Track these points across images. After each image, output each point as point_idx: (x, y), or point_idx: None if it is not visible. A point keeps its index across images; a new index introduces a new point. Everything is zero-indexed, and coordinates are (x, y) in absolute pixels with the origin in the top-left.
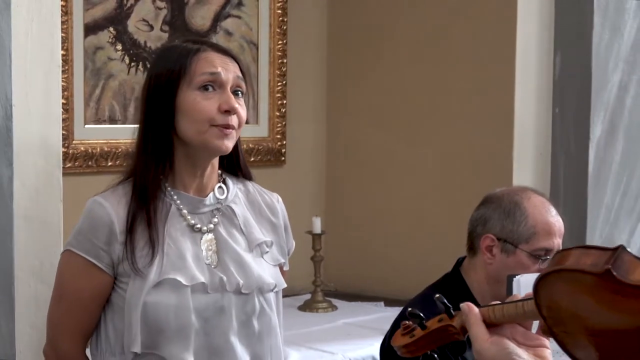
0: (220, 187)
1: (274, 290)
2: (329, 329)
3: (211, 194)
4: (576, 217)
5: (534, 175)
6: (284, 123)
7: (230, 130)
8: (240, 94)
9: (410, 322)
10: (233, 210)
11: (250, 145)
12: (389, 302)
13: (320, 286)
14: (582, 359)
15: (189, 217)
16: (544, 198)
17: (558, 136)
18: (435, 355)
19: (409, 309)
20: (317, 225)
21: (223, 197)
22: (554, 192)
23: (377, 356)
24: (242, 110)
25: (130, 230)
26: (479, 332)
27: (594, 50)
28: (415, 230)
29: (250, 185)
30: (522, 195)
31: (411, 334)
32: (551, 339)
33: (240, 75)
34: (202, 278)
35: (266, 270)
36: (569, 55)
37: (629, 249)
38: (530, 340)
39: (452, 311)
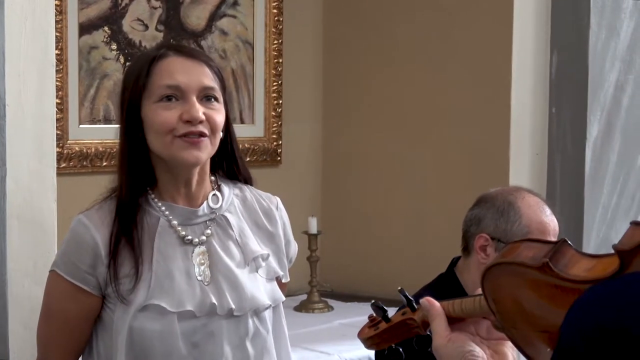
0: (214, 194)
1: (270, 308)
2: (325, 330)
3: (204, 204)
4: (573, 217)
5: (531, 175)
6: (279, 123)
7: (199, 139)
8: (212, 99)
9: (375, 314)
10: (228, 221)
11: (246, 145)
12: (385, 303)
13: (316, 286)
14: (533, 356)
15: (179, 229)
16: (539, 198)
17: (555, 136)
18: (400, 350)
19: (372, 300)
20: (313, 226)
21: (217, 206)
22: (550, 192)
23: (373, 357)
24: (216, 115)
25: (113, 255)
26: (438, 328)
27: (590, 50)
28: (411, 231)
29: (247, 191)
30: (517, 195)
31: (376, 326)
32: None
33: (208, 81)
34: (188, 305)
35: (261, 287)
36: (566, 55)
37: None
38: (493, 334)
39: (414, 304)
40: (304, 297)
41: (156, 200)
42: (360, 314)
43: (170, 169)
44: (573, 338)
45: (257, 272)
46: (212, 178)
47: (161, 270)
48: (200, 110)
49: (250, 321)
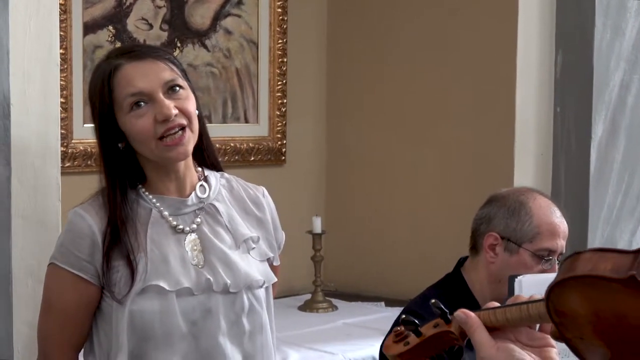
0: (201, 185)
1: (263, 287)
2: (329, 329)
3: (193, 194)
4: (577, 217)
5: (535, 175)
6: (284, 122)
7: (180, 137)
8: (177, 88)
9: (403, 329)
10: (217, 208)
11: (251, 145)
12: (390, 302)
13: (321, 286)
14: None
15: (170, 219)
16: (550, 200)
17: (559, 135)
18: None
19: (403, 316)
20: (318, 225)
21: (205, 195)
22: (555, 192)
23: (377, 356)
24: (186, 103)
25: (107, 249)
26: (483, 339)
27: (595, 50)
28: (416, 230)
29: (233, 180)
30: (528, 196)
31: (405, 341)
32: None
33: (167, 75)
34: (186, 282)
35: (253, 266)
36: (571, 55)
37: None
38: (535, 341)
39: (448, 316)
40: (308, 296)
41: (147, 193)
42: (364, 314)
43: (159, 166)
44: None
45: (249, 253)
46: (199, 169)
47: (156, 257)
48: (170, 106)
49: (245, 297)
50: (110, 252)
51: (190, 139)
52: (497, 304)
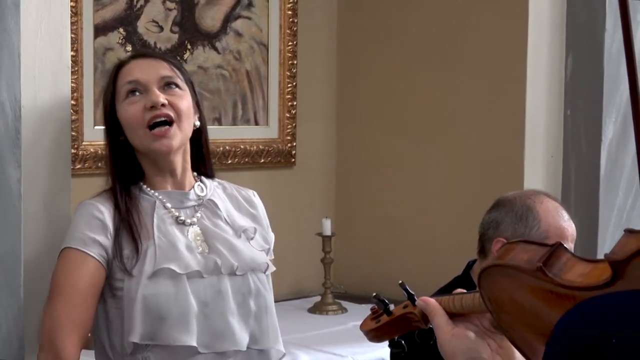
0: (199, 185)
1: (266, 273)
2: (338, 332)
3: (192, 190)
4: (588, 219)
5: (545, 177)
6: (294, 124)
7: (166, 130)
8: (174, 86)
9: (377, 308)
10: (215, 203)
11: (260, 147)
12: (399, 304)
13: (330, 288)
14: (531, 357)
15: (173, 210)
16: (557, 202)
17: (569, 138)
18: (403, 342)
19: (374, 293)
20: (327, 227)
21: (203, 194)
22: (565, 194)
23: (387, 359)
24: (179, 100)
25: (117, 232)
26: (440, 323)
27: (605, 52)
28: (425, 233)
29: (225, 183)
30: (535, 200)
31: (377, 319)
32: None
33: (166, 70)
34: (195, 266)
35: (256, 252)
36: (581, 57)
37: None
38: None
39: (415, 298)
40: (317, 298)
41: (149, 189)
42: None
43: (154, 162)
44: (556, 356)
45: (249, 242)
46: (194, 174)
47: (163, 243)
48: (160, 96)
49: (251, 280)
50: (119, 234)
51: (177, 135)
52: (463, 291)
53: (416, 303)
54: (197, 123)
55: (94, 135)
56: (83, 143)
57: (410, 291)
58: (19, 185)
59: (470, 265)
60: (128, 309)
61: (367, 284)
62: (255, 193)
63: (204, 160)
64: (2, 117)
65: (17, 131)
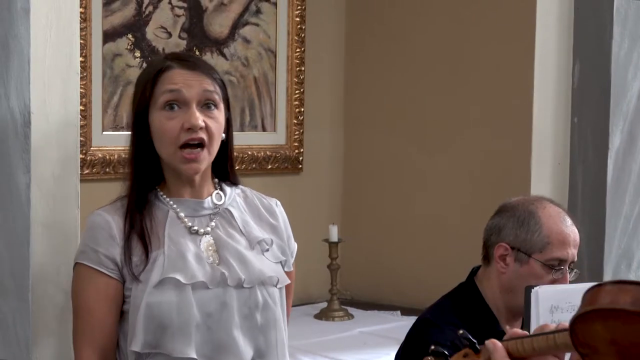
0: (217, 193)
1: (277, 286)
2: (345, 338)
3: (209, 199)
4: (594, 227)
5: (552, 185)
6: (301, 130)
7: (197, 154)
8: (212, 107)
9: (433, 359)
10: (231, 213)
11: (268, 153)
12: (406, 311)
13: (337, 294)
14: None
15: (186, 220)
16: (560, 208)
17: (576, 145)
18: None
19: (432, 346)
20: (334, 233)
21: (220, 202)
22: (572, 202)
23: None
24: (214, 124)
25: (127, 239)
26: None
27: (613, 60)
28: (432, 240)
29: (248, 190)
30: (537, 205)
31: None
32: None
33: (208, 88)
34: (201, 277)
35: (267, 265)
36: (588, 65)
37: None
38: None
39: (477, 346)
40: (324, 304)
41: (164, 196)
42: (380, 323)
43: (174, 171)
44: None
45: (263, 254)
46: (215, 180)
47: (173, 253)
48: (200, 119)
49: (259, 293)
50: (129, 242)
51: (205, 159)
52: (520, 332)
53: (485, 344)
54: (223, 135)
55: (102, 141)
56: (91, 148)
57: (473, 339)
58: (27, 190)
59: (474, 272)
60: (132, 317)
61: (374, 291)
62: (278, 202)
63: (228, 168)
64: (11, 123)
65: (26, 137)
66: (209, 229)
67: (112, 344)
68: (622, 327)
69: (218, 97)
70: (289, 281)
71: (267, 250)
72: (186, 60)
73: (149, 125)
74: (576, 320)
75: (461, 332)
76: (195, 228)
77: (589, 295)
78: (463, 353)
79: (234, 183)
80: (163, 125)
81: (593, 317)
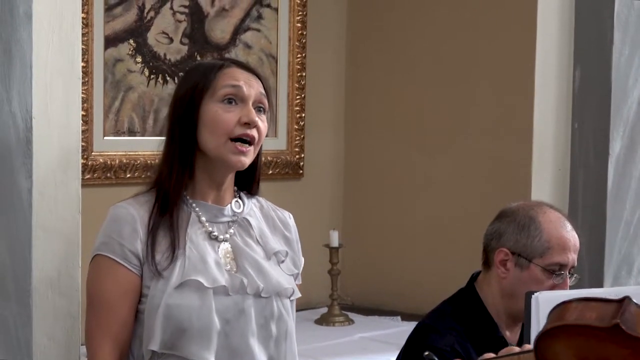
0: (237, 201)
1: (291, 298)
2: (345, 343)
3: (229, 206)
4: (595, 232)
5: (553, 190)
6: (302, 136)
7: (248, 147)
8: (262, 111)
9: None
10: (249, 222)
11: (269, 158)
12: (406, 317)
13: (337, 300)
14: None
15: (207, 224)
16: (560, 213)
17: (577, 151)
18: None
19: (426, 352)
20: (335, 239)
21: (239, 210)
22: (572, 207)
23: None
24: (263, 126)
25: (152, 232)
26: None
27: (613, 65)
28: (433, 245)
29: (263, 201)
30: (538, 210)
31: None
32: None
33: (263, 92)
34: (222, 281)
35: (283, 277)
36: (589, 70)
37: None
38: None
39: None
40: (324, 310)
41: (188, 197)
42: (381, 328)
43: (208, 169)
44: None
45: (279, 265)
46: (235, 187)
47: (193, 255)
48: (257, 116)
49: (275, 304)
50: (155, 236)
51: (251, 157)
52: (491, 355)
53: None
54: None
55: (104, 146)
56: (93, 153)
57: None
58: (29, 195)
59: (474, 278)
60: (150, 316)
61: (374, 296)
62: (291, 215)
63: (255, 177)
64: (13, 128)
65: (28, 141)
66: (227, 235)
67: (129, 341)
68: (586, 344)
69: (267, 105)
70: (299, 295)
71: (283, 262)
72: (243, 64)
73: (197, 118)
74: (541, 337)
75: (426, 353)
76: (215, 234)
77: (555, 312)
78: None
79: (251, 194)
80: (219, 116)
81: (557, 334)
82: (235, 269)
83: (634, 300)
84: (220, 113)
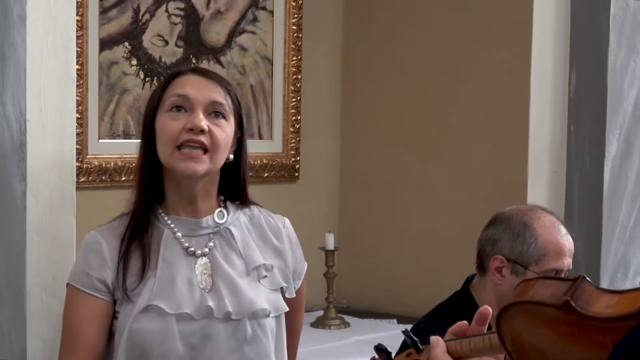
0: (220, 211)
1: (270, 316)
2: (341, 346)
3: (209, 217)
4: (591, 235)
5: (549, 193)
6: (297, 139)
7: (197, 154)
8: (220, 116)
9: (378, 357)
10: (232, 233)
11: (264, 161)
12: (402, 320)
13: (333, 303)
14: None
15: (182, 240)
16: (554, 217)
17: (573, 154)
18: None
19: (377, 343)
20: (330, 242)
21: (222, 221)
22: (568, 211)
23: None
24: (220, 132)
25: (123, 257)
26: None
27: (609, 68)
28: (428, 248)
29: (255, 209)
30: (532, 216)
31: None
32: None
33: (217, 97)
34: (186, 307)
35: (262, 295)
36: (585, 73)
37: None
38: None
39: (419, 345)
40: (320, 313)
41: (163, 214)
42: (376, 331)
43: (176, 183)
44: None
45: (259, 281)
46: (222, 197)
47: (164, 277)
48: (203, 121)
49: (248, 326)
50: (126, 261)
51: (206, 164)
52: (461, 327)
53: (430, 340)
54: (231, 157)
55: (99, 149)
56: (87, 156)
57: (415, 338)
58: (23, 198)
59: (469, 281)
60: (117, 340)
61: (370, 299)
62: (287, 222)
63: (239, 189)
64: (7, 131)
65: (23, 145)
66: (206, 249)
67: None
68: (540, 321)
69: (228, 109)
70: (286, 309)
71: (265, 277)
72: (203, 71)
73: (154, 133)
74: (500, 314)
75: (404, 330)
76: (192, 249)
77: (516, 289)
78: (407, 352)
79: (244, 204)
80: (166, 125)
81: (514, 310)
82: (209, 288)
83: (588, 279)
84: (166, 122)
